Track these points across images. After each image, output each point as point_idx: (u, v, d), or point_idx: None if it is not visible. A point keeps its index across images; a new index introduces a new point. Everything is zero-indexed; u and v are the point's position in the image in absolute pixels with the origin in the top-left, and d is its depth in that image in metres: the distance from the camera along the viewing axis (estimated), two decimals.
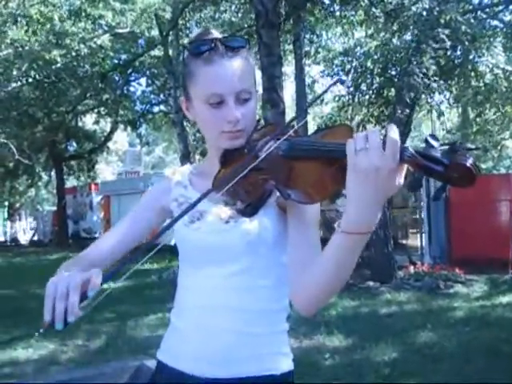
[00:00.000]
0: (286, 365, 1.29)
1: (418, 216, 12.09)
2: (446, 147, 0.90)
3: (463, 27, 9.01)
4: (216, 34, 1.27)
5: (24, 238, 28.48)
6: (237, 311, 1.24)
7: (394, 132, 0.89)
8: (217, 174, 1.29)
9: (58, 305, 0.95)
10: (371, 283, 9.11)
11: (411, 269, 9.68)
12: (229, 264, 1.25)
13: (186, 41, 15.05)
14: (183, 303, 1.34)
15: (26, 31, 14.83)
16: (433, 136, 0.92)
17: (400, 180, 0.92)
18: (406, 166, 0.91)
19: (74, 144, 25.82)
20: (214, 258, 1.26)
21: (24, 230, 32.71)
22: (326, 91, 1.36)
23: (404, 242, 13.02)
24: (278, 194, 1.23)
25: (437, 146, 0.90)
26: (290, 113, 15.18)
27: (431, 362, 4.83)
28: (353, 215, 0.96)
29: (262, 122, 1.37)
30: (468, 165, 0.87)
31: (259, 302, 1.25)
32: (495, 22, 12.09)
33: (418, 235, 11.82)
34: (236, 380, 1.22)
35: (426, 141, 0.91)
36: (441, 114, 11.15)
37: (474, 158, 0.87)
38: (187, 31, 15.30)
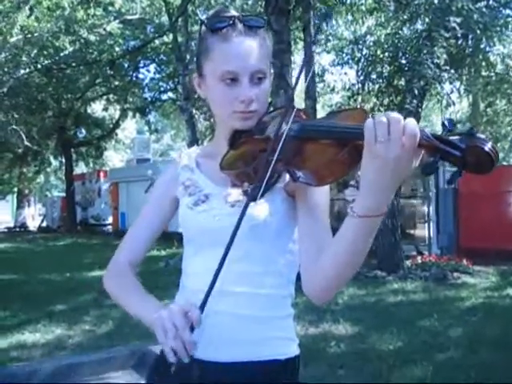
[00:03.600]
0: (291, 350, 1.28)
1: (426, 206, 12.03)
2: (464, 132, 0.88)
3: (475, 16, 8.90)
4: (234, 12, 1.25)
5: (33, 225, 28.62)
6: (240, 296, 1.23)
7: (413, 124, 0.88)
8: (224, 155, 1.28)
9: (177, 346, 1.00)
10: (378, 272, 9.11)
11: (418, 259, 9.68)
12: (232, 248, 1.24)
13: (195, 27, 15.00)
14: (187, 286, 1.34)
15: (36, 18, 14.82)
16: (450, 120, 0.90)
17: (416, 162, 0.91)
18: (422, 150, 0.90)
19: (83, 131, 25.89)
20: (217, 241, 1.23)
21: (33, 216, 32.89)
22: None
23: (412, 232, 12.98)
24: (286, 179, 1.21)
25: (454, 130, 0.89)
26: (299, 101, 15.11)
27: (436, 352, 4.83)
28: (369, 200, 0.95)
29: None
30: (486, 149, 0.84)
31: (262, 287, 1.24)
32: (507, 11, 11.94)
33: (426, 225, 11.77)
34: (240, 364, 1.22)
35: (443, 125, 0.89)
36: (448, 104, 11.04)
37: (492, 143, 0.84)
38: (196, 17, 15.24)
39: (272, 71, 1.33)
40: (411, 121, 0.88)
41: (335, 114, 1.14)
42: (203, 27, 1.27)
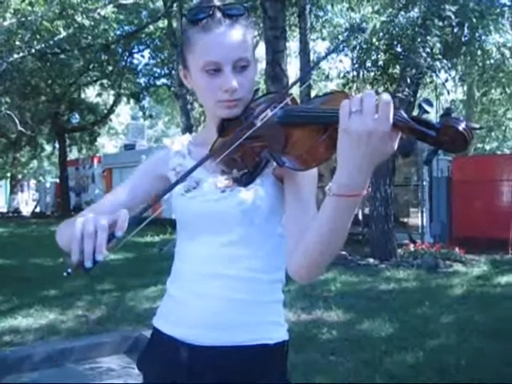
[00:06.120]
0: (279, 335, 1.29)
1: (419, 194, 12.08)
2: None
3: (471, 4, 8.88)
4: (216, 1, 1.24)
5: (26, 210, 28.56)
6: (230, 279, 1.24)
7: (386, 95, 0.88)
8: (214, 142, 1.29)
9: (87, 243, 0.94)
10: (371, 260, 9.16)
11: (411, 247, 9.71)
12: (224, 233, 1.25)
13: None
14: (179, 271, 1.35)
15: (30, 1, 14.66)
16: (427, 101, 0.91)
17: (393, 145, 0.91)
18: (399, 132, 0.90)
19: (77, 116, 25.78)
20: (209, 227, 1.26)
21: (26, 202, 32.81)
22: (340, 44, 1.33)
23: (405, 220, 13.04)
24: (274, 164, 1.22)
25: (431, 111, 0.90)
26: (295, 87, 15.06)
27: (427, 339, 4.87)
28: (344, 178, 0.95)
29: (260, 92, 1.36)
30: (460, 129, 0.85)
31: (252, 271, 1.25)
32: (504, 0, 11.91)
33: (419, 213, 11.82)
34: (229, 348, 1.22)
35: (420, 106, 0.90)
36: (441, 93, 11.06)
37: (467, 122, 0.85)
38: (191, 3, 15.14)
39: (258, 58, 1.33)
40: (385, 93, 0.88)
41: (318, 98, 1.14)
42: (184, 19, 1.27)
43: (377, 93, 0.90)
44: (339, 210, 0.99)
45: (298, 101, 1.27)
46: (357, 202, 0.99)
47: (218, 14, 1.22)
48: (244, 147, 1.16)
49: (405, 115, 0.89)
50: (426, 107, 0.90)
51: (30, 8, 14.61)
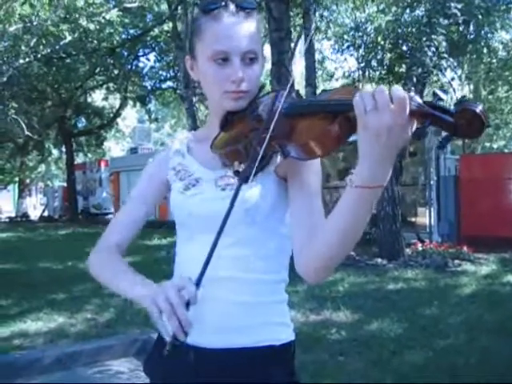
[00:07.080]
0: (285, 335, 1.27)
1: (427, 193, 12.03)
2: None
3: (476, 1, 8.85)
4: None
5: (34, 214, 28.68)
6: (232, 281, 1.22)
7: (398, 89, 0.88)
8: (215, 137, 1.27)
9: (172, 323, 0.99)
10: (379, 260, 9.13)
11: (419, 246, 9.67)
12: (226, 233, 1.23)
13: (194, 15, 14.96)
14: (180, 272, 1.33)
15: (32, 5, 14.73)
16: (441, 89, 0.90)
17: (411, 130, 0.91)
18: (415, 119, 0.90)
19: (84, 120, 25.86)
20: (209, 226, 1.19)
21: (34, 206, 32.95)
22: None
23: (413, 219, 12.99)
24: (277, 162, 1.21)
25: (445, 98, 0.89)
26: (300, 88, 15.05)
27: (436, 339, 4.85)
28: (366, 170, 0.95)
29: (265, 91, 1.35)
30: (477, 111, 0.84)
31: (256, 272, 1.23)
32: None
33: (427, 213, 11.77)
34: (234, 350, 1.21)
35: (434, 93, 0.90)
36: (445, 91, 11.03)
37: (483, 107, 0.85)
38: (196, 5, 15.17)
39: (265, 54, 1.32)
40: (397, 87, 0.88)
41: (326, 92, 1.14)
42: (196, 9, 1.27)
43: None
44: (360, 203, 1.00)
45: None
46: (378, 193, 0.99)
47: (231, 6, 1.21)
48: (248, 138, 1.15)
49: (420, 101, 0.89)
50: (441, 94, 0.89)
51: (35, 13, 14.69)
